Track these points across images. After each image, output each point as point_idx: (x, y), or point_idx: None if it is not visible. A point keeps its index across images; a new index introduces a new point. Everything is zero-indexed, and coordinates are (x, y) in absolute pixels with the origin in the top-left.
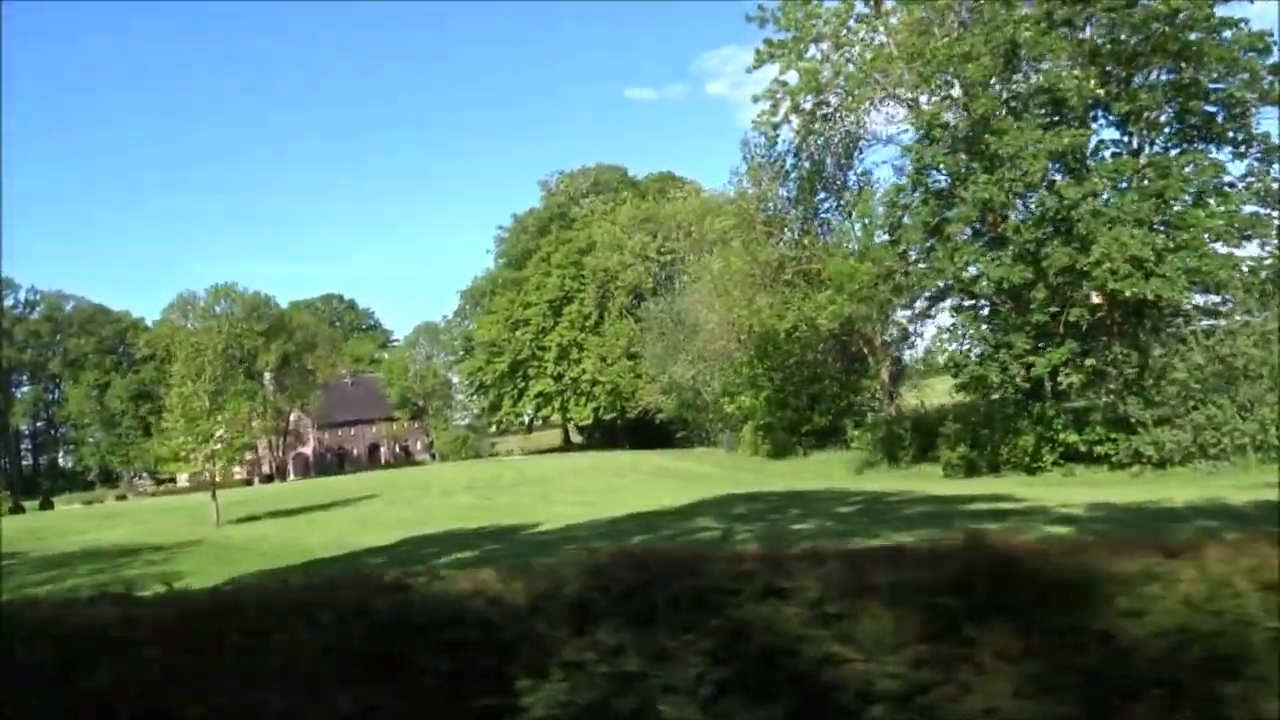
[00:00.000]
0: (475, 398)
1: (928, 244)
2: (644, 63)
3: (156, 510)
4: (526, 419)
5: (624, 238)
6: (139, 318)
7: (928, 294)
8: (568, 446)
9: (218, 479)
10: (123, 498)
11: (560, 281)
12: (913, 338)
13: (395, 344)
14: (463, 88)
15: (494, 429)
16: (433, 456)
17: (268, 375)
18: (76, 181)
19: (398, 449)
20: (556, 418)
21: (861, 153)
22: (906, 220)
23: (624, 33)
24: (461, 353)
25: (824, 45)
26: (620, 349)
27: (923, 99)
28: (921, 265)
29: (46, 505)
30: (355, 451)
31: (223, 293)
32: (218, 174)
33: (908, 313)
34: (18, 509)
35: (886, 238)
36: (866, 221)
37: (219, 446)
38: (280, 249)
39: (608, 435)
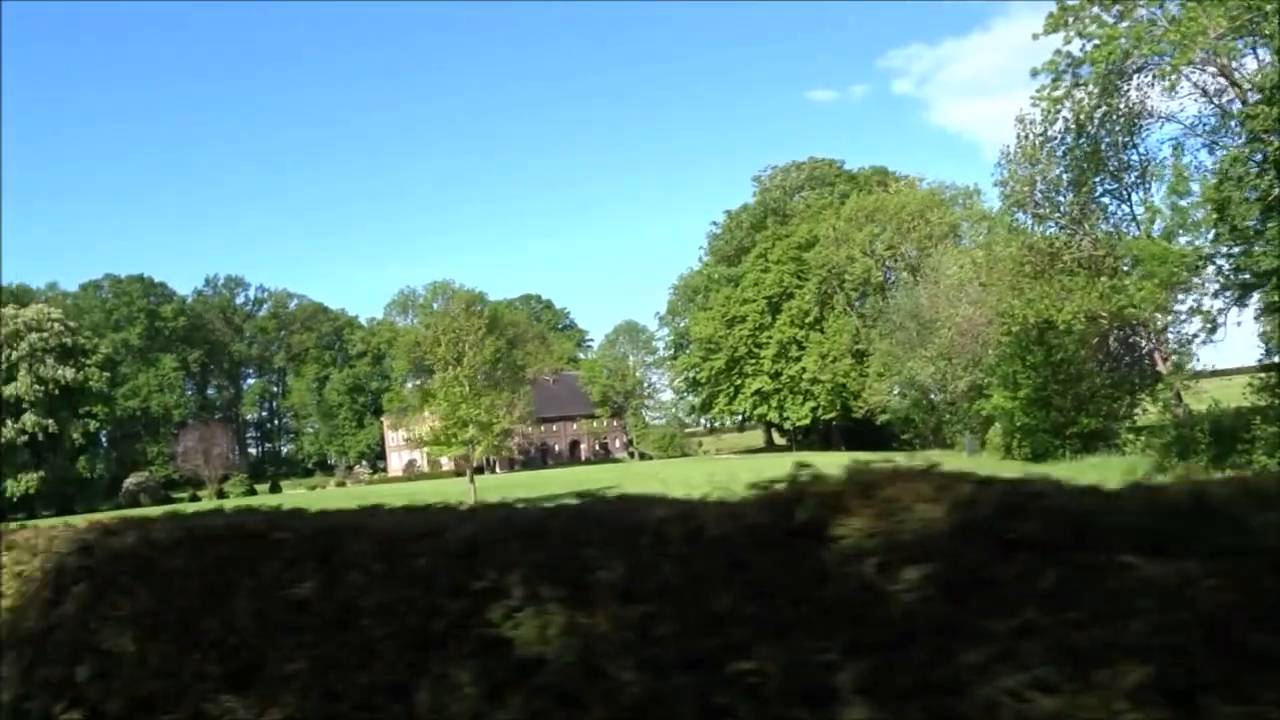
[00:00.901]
0: (686, 396)
1: (1269, 223)
2: (826, 64)
3: (396, 495)
4: (740, 417)
5: (851, 231)
6: (354, 315)
7: (1245, 277)
8: (770, 448)
9: (474, 463)
10: (341, 484)
11: (779, 277)
12: (1220, 329)
13: (589, 343)
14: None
15: (701, 428)
16: (631, 455)
17: (480, 370)
18: (303, 185)
19: (597, 446)
20: (759, 418)
21: (1143, 130)
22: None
23: (803, 35)
24: (673, 349)
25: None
26: (843, 346)
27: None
28: (1258, 247)
29: (275, 489)
30: (557, 448)
31: (441, 289)
32: (416, 173)
33: (1217, 302)
34: (250, 492)
35: (1199, 216)
36: (1175, 200)
37: (477, 431)
38: (484, 247)
39: (821, 437)
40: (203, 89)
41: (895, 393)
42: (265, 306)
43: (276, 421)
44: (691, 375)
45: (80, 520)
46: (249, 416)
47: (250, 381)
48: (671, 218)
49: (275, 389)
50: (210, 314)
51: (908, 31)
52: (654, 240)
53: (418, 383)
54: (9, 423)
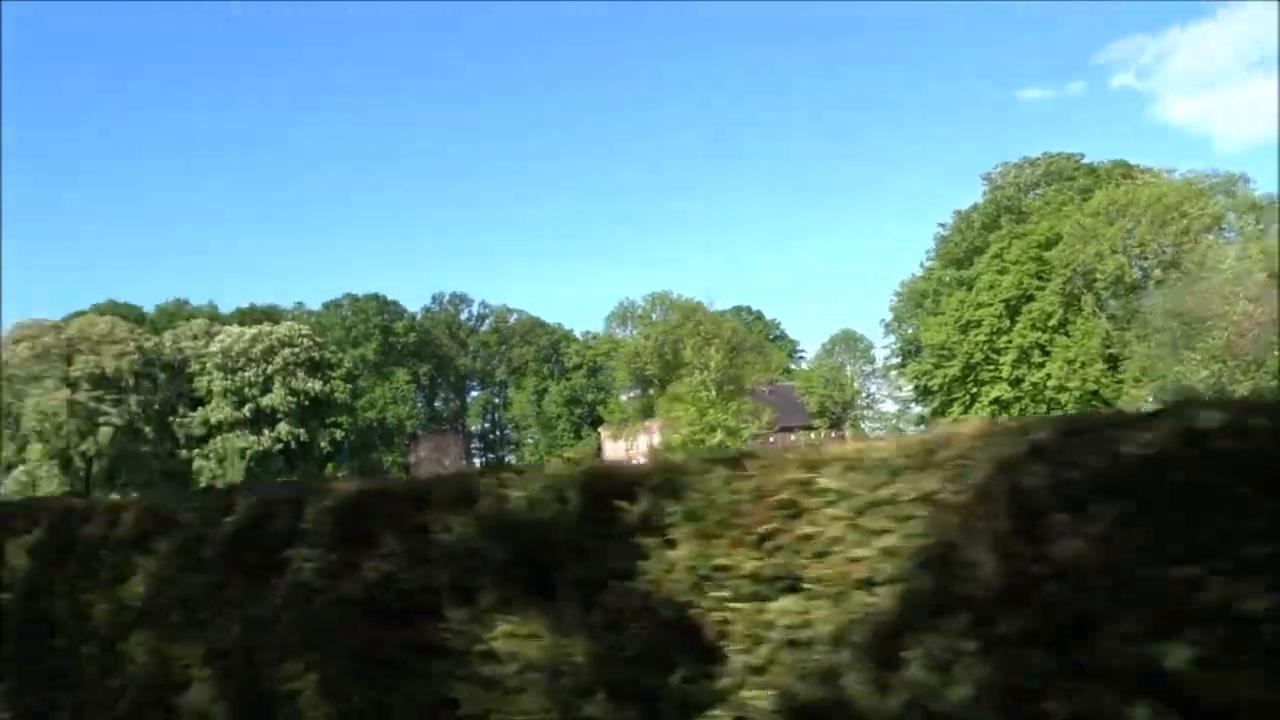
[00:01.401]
0: (913, 406)
1: None
2: (1038, 62)
3: None
4: None
5: (1100, 227)
6: (569, 329)
7: None
8: None
9: None
10: None
11: (1018, 279)
12: None
13: (800, 354)
14: (838, 96)
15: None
16: None
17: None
18: (521, 202)
19: None
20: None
21: None
22: None
23: (1013, 35)
24: (900, 357)
25: None
26: (1093, 350)
27: None
28: None
29: None
30: None
31: (660, 300)
32: (624, 187)
33: None
34: None
35: None
36: None
37: (725, 436)
38: (695, 259)
39: None
40: (419, 114)
41: (1151, 400)
42: (487, 321)
43: (499, 433)
44: (923, 383)
45: None
46: (473, 428)
47: (474, 394)
48: (876, 225)
49: (497, 401)
50: (437, 329)
51: (1128, 25)
52: (860, 249)
53: (633, 394)
54: (266, 431)
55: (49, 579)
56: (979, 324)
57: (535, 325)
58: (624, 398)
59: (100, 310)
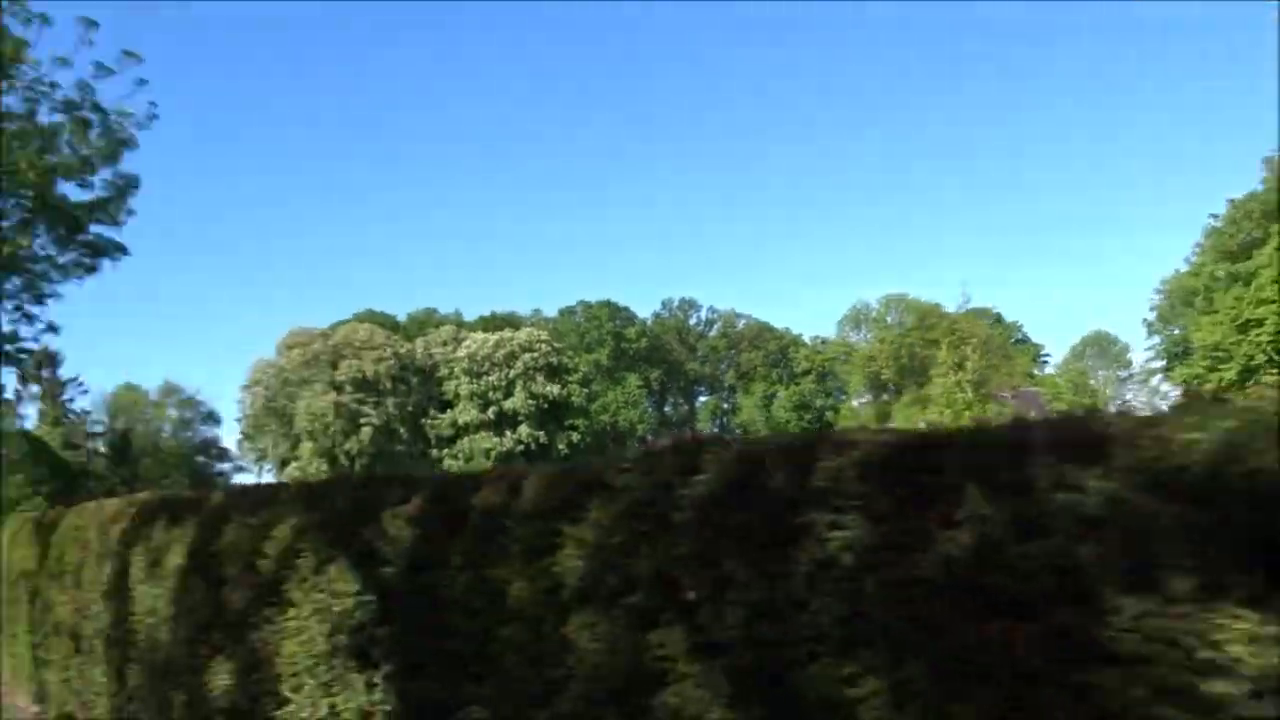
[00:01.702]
0: None
1: None
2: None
3: None
4: None
5: None
6: (798, 334)
7: None
8: None
9: None
10: None
11: None
12: None
13: (1045, 358)
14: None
15: None
16: None
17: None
18: (747, 207)
19: None
20: None
21: None
22: None
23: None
24: (1166, 359)
25: None
26: None
27: None
28: None
29: None
30: None
31: (895, 302)
32: (851, 187)
33: None
34: None
35: None
36: None
37: None
38: (924, 261)
39: None
40: (647, 121)
41: None
42: (715, 326)
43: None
44: (1194, 388)
45: None
46: (703, 433)
47: (703, 399)
48: (1126, 221)
49: (726, 406)
50: (667, 335)
51: None
52: (1109, 247)
53: (865, 400)
54: (508, 433)
55: (438, 551)
56: (1260, 323)
57: (763, 330)
58: (856, 403)
59: (360, 318)
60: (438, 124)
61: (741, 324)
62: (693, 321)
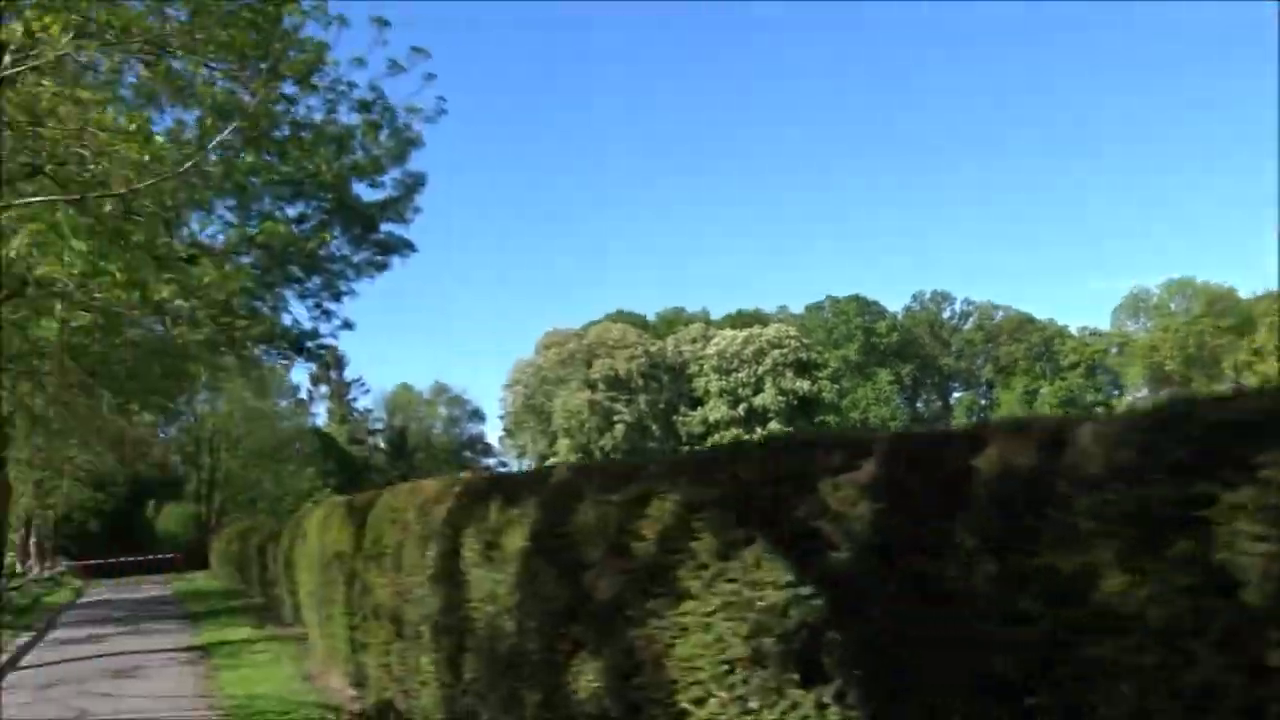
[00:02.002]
0: None
1: None
2: None
3: None
4: None
5: None
6: (1063, 325)
7: None
8: None
9: None
10: None
11: None
12: None
13: None
14: None
15: None
16: None
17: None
18: (1003, 194)
19: None
20: None
21: None
22: None
23: None
24: None
25: None
26: None
27: None
28: None
29: None
30: None
31: (1181, 287)
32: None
33: None
34: None
35: None
36: None
37: None
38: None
39: None
40: (893, 113)
41: None
42: (971, 319)
43: None
44: None
45: None
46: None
47: (958, 395)
48: None
49: (983, 402)
50: (919, 329)
51: None
52: None
53: (1142, 394)
54: (758, 429)
55: (922, 530)
56: None
57: (1024, 321)
58: (1132, 397)
59: (611, 319)
60: (681, 123)
61: (1000, 316)
62: (946, 314)
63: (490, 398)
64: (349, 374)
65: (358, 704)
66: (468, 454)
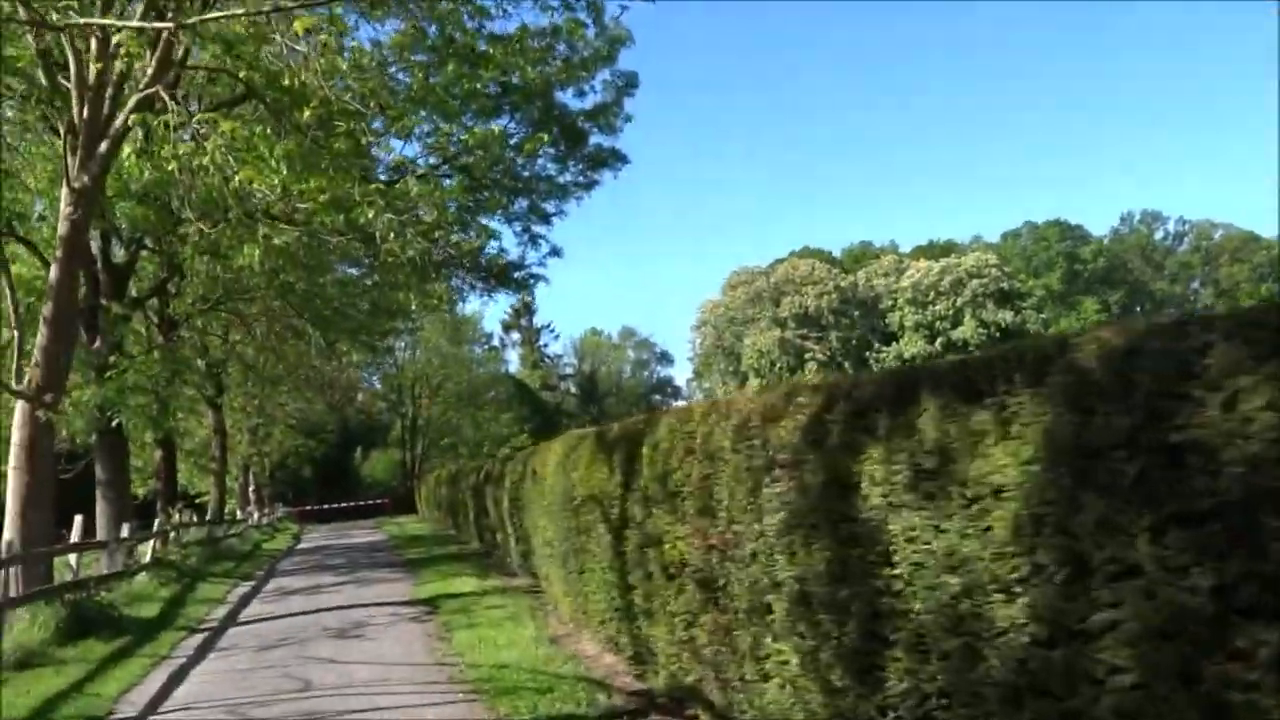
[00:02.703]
0: None
1: None
2: None
3: None
4: None
5: None
6: None
7: None
8: None
9: None
10: None
11: None
12: None
13: None
14: None
15: None
16: None
17: None
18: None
19: None
20: None
21: None
22: None
23: None
24: None
25: None
26: None
27: None
28: None
29: None
30: None
31: None
32: None
33: None
34: None
35: None
36: None
37: None
38: None
39: None
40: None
41: None
42: (1187, 240)
43: None
44: None
45: None
46: None
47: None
48: None
49: None
50: (1128, 253)
51: None
52: None
53: None
54: None
55: None
56: None
57: (1248, 240)
58: None
59: (798, 256)
60: (875, 53)
61: (1219, 235)
62: (1159, 236)
63: (677, 341)
64: (538, 320)
65: (635, 681)
66: (657, 397)
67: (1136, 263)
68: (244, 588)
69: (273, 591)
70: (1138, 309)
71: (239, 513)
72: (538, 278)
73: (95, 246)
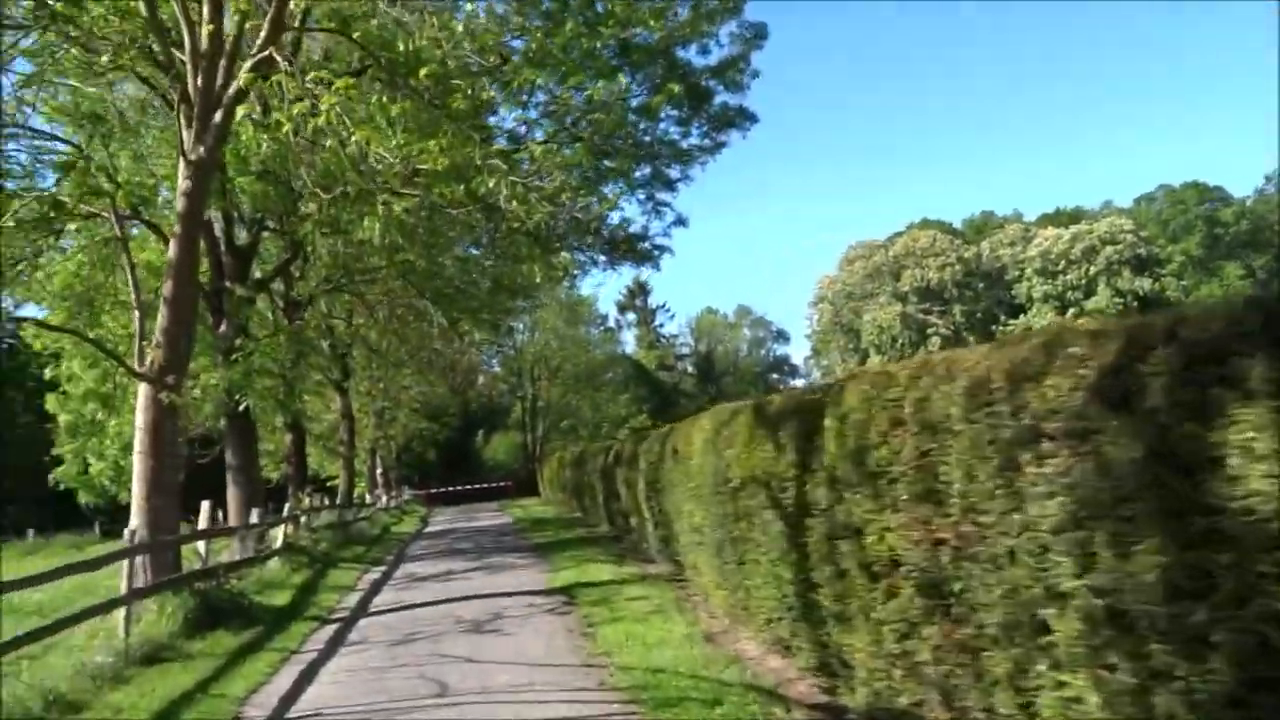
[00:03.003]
0: None
1: None
2: None
3: None
4: None
5: None
6: None
7: None
8: None
9: None
10: None
11: None
12: None
13: None
14: None
15: None
16: None
17: None
18: None
19: None
20: None
21: None
22: None
23: None
24: None
25: None
26: None
27: None
28: None
29: None
30: None
31: None
32: None
33: None
34: None
35: None
36: None
37: None
38: None
39: None
40: None
41: None
42: None
43: None
44: None
45: None
46: None
47: None
48: None
49: None
50: (1272, 213)
51: None
52: None
53: None
54: None
55: None
56: None
57: None
58: None
59: (917, 229)
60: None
61: None
62: None
63: (793, 318)
64: (653, 300)
65: (820, 694)
66: (774, 376)
67: None
68: (375, 573)
69: (403, 578)
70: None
71: (367, 496)
72: (662, 249)
73: (218, 229)
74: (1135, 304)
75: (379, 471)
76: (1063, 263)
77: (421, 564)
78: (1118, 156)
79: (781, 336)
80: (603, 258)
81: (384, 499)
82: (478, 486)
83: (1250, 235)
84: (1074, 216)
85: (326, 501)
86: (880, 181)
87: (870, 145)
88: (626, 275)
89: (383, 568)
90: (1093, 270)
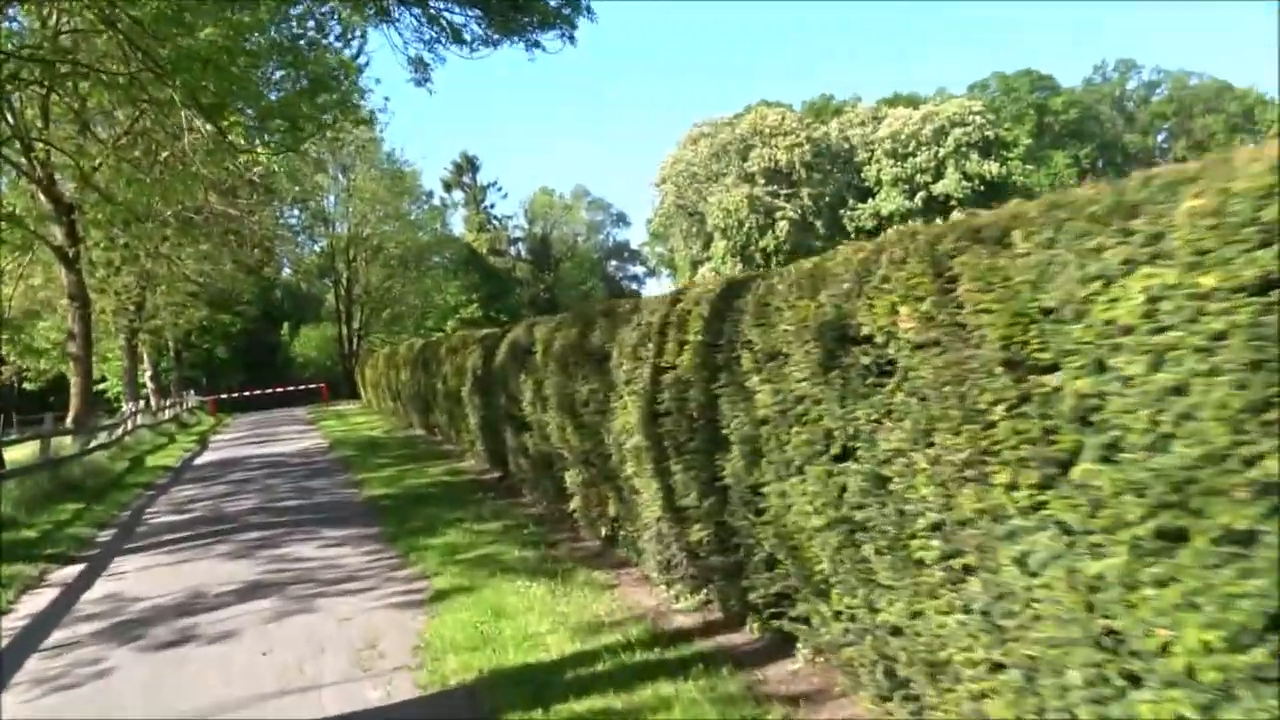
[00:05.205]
0: None
1: None
2: None
3: None
4: None
5: None
6: (1265, 93)
7: None
8: None
9: None
10: None
11: None
12: None
13: None
14: None
15: None
16: None
17: None
18: None
19: None
20: None
21: None
22: None
23: None
24: None
25: None
26: None
27: None
28: None
29: None
30: None
31: None
32: None
33: None
34: None
35: None
36: None
37: None
38: None
39: None
40: None
41: None
42: (1161, 90)
43: None
44: None
45: None
46: None
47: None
48: None
49: None
50: (1100, 104)
51: None
52: None
53: None
54: (938, 221)
55: None
56: None
57: (1222, 90)
58: None
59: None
60: None
61: (1193, 83)
62: (1132, 86)
63: (633, 202)
64: (482, 178)
65: None
66: (614, 262)
67: (1109, 114)
68: (72, 570)
69: (137, 569)
70: (1111, 163)
71: (126, 407)
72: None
73: None
74: (982, 188)
75: (149, 375)
76: (913, 144)
77: (149, 569)
78: (951, 46)
79: (622, 220)
80: (474, 12)
81: (153, 411)
82: (284, 389)
83: (1077, 125)
84: (911, 103)
85: (19, 425)
86: (724, 63)
87: (708, 23)
88: (512, 56)
89: (69, 574)
90: (942, 153)
